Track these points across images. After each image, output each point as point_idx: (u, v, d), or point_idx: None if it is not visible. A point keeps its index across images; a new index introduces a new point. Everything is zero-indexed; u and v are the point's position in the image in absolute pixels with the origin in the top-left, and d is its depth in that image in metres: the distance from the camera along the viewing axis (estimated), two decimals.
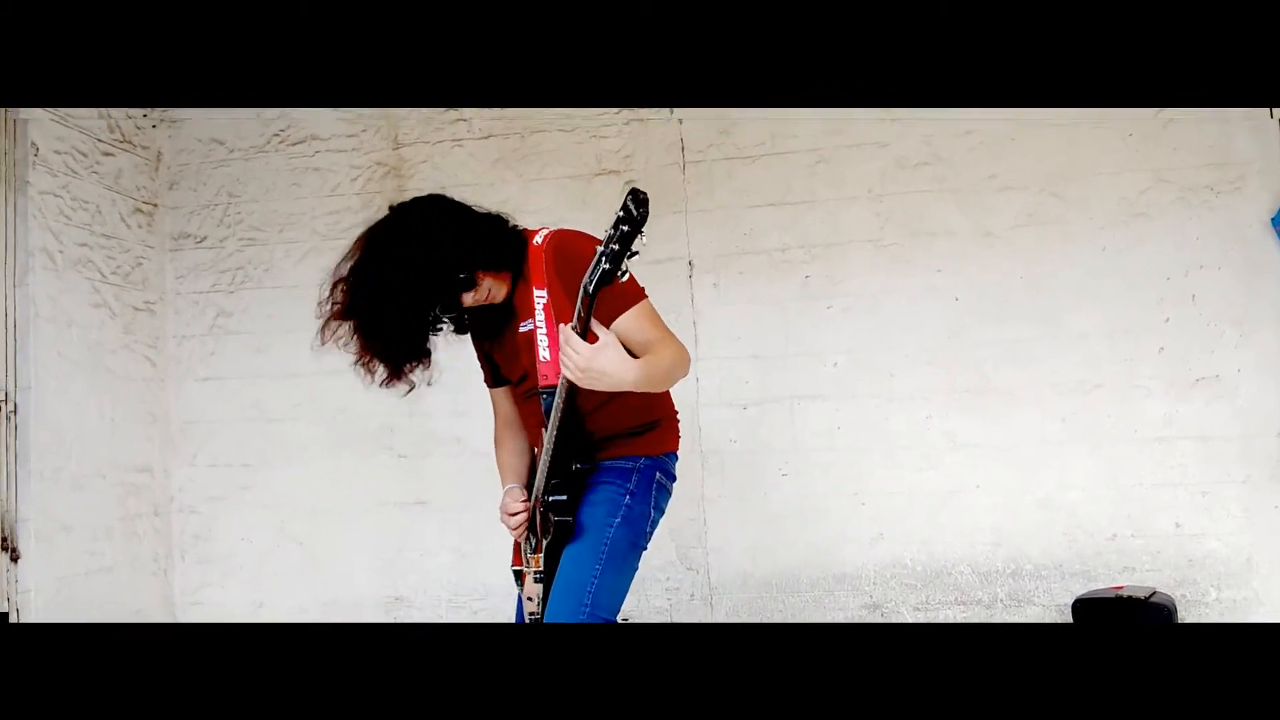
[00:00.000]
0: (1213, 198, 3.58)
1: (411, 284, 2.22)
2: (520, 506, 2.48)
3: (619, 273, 1.91)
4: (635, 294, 2.26)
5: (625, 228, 1.86)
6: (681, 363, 2.24)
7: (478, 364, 2.68)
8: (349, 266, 2.28)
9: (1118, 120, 3.64)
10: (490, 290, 2.35)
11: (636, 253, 1.90)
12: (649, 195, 1.88)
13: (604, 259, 1.90)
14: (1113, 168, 3.66)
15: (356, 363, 2.32)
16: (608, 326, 2.18)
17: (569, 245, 2.30)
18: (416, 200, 2.37)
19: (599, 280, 1.93)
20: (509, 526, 2.52)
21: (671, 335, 2.27)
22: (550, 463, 2.30)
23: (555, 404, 2.22)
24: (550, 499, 2.33)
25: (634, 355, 2.16)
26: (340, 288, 2.28)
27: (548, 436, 2.28)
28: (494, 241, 2.32)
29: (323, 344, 2.31)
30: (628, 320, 2.22)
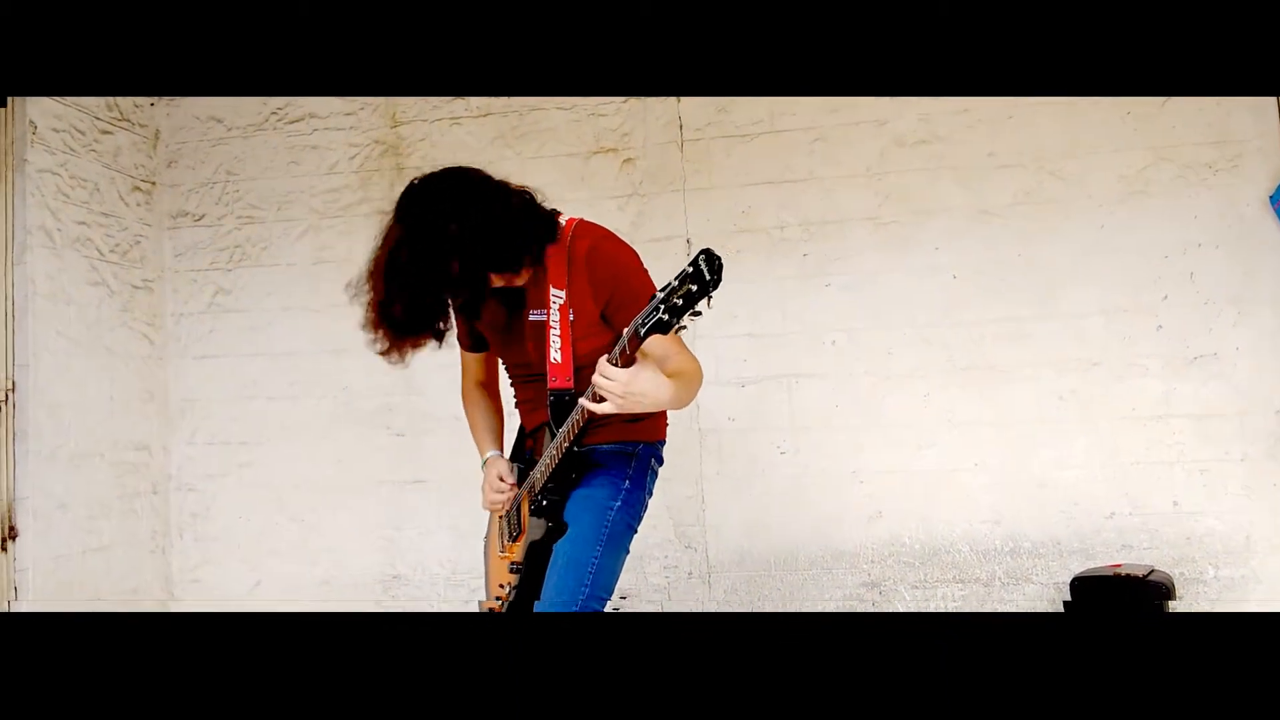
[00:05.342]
0: (1211, 176, 3.58)
1: (467, 255, 2.11)
2: (508, 482, 2.49)
3: (676, 327, 1.87)
4: None
5: (693, 286, 1.81)
6: (699, 381, 2.24)
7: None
8: (396, 233, 2.16)
9: (1116, 99, 3.63)
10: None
11: (700, 313, 1.85)
12: (722, 258, 1.82)
13: (662, 309, 1.85)
14: (1111, 146, 3.65)
15: (365, 325, 2.23)
16: None
17: (609, 257, 2.27)
18: (449, 173, 2.20)
19: (652, 327, 1.88)
20: (491, 501, 2.52)
21: (690, 353, 2.29)
22: (553, 472, 2.32)
23: (566, 429, 2.22)
24: (544, 501, 2.35)
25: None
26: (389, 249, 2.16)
27: (553, 448, 2.29)
28: (541, 231, 2.24)
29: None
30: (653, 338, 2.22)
